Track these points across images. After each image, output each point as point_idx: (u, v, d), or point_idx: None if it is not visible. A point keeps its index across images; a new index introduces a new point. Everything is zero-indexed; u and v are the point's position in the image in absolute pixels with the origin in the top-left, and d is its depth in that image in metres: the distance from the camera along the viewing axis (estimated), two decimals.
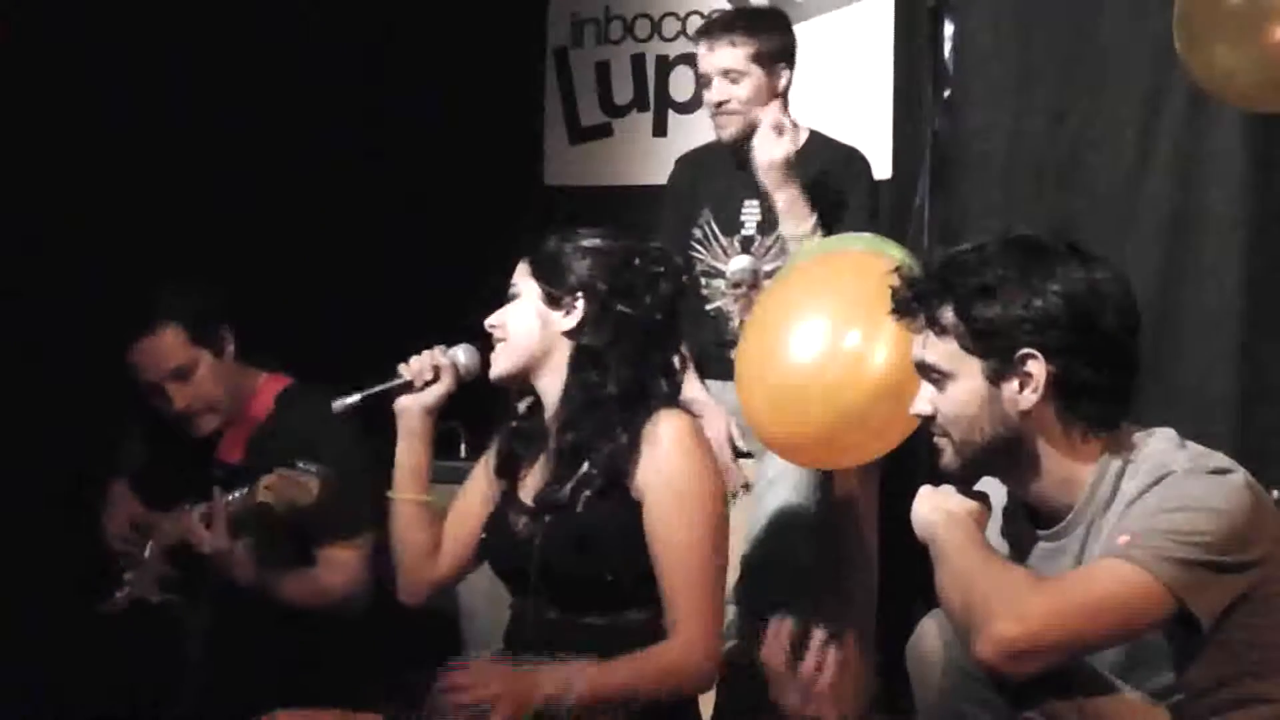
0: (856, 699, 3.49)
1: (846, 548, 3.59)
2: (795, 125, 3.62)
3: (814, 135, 3.80)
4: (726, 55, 3.71)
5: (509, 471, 2.74)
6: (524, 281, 2.68)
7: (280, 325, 3.71)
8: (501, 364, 2.68)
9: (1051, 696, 2.13)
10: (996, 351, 2.22)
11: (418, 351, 2.77)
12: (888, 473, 3.58)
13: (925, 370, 2.30)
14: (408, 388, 2.76)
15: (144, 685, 3.14)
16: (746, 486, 3.64)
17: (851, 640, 3.54)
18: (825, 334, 3.11)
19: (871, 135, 4.30)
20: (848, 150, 3.83)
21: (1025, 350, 2.20)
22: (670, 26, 4.79)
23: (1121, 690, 2.16)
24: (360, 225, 4.62)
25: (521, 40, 4.91)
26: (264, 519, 3.08)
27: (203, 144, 4.19)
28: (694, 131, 4.41)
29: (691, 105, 4.70)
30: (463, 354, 2.77)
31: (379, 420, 2.83)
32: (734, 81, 3.71)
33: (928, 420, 2.31)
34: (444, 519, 2.80)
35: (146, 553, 3.29)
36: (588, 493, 2.56)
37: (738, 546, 3.44)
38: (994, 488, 2.34)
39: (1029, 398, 2.21)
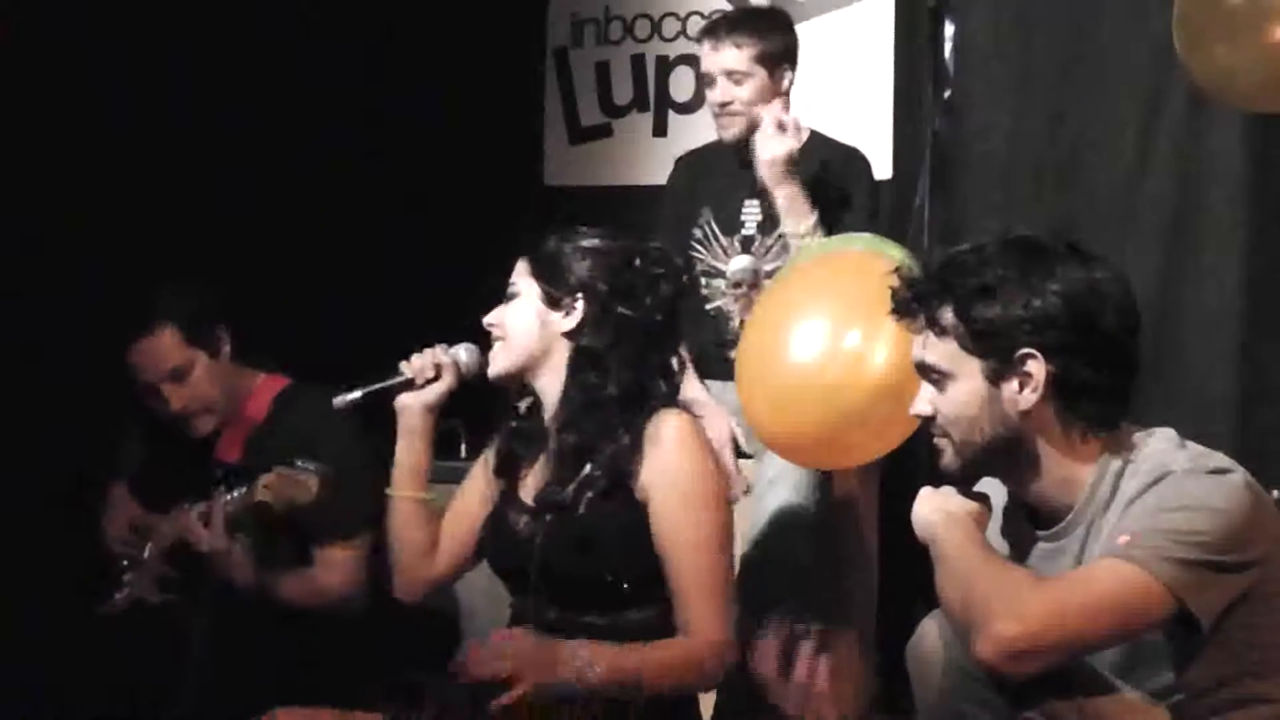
0: (856, 699, 3.50)
1: (846, 548, 3.59)
2: (798, 124, 3.62)
3: (814, 135, 3.80)
4: (730, 56, 3.71)
5: (508, 471, 2.74)
6: (523, 281, 2.68)
7: (280, 325, 3.71)
8: (500, 363, 2.68)
9: (1051, 696, 2.13)
10: (996, 352, 2.22)
11: (418, 351, 2.77)
12: (888, 473, 3.58)
13: (925, 371, 2.30)
14: (409, 385, 2.76)
15: (144, 685, 3.14)
16: (747, 490, 3.63)
17: (844, 643, 3.57)
18: (825, 334, 3.11)
19: (871, 135, 4.30)
20: (848, 150, 3.83)
21: (1025, 350, 2.20)
22: (670, 27, 4.80)
23: (1121, 690, 2.17)
24: (360, 225, 4.62)
25: (521, 40, 4.91)
26: (262, 518, 3.08)
27: (203, 144, 4.19)
28: (694, 132, 4.41)
29: (691, 105, 4.71)
30: (464, 353, 2.78)
31: (379, 418, 2.83)
32: (737, 83, 3.71)
33: (928, 420, 2.31)
34: (442, 518, 2.80)
35: (145, 553, 3.29)
36: (590, 494, 2.56)
37: (737, 547, 3.44)
38: (994, 488, 2.34)
39: (1029, 398, 2.22)
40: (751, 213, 3.76)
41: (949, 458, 2.29)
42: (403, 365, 2.77)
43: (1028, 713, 2.16)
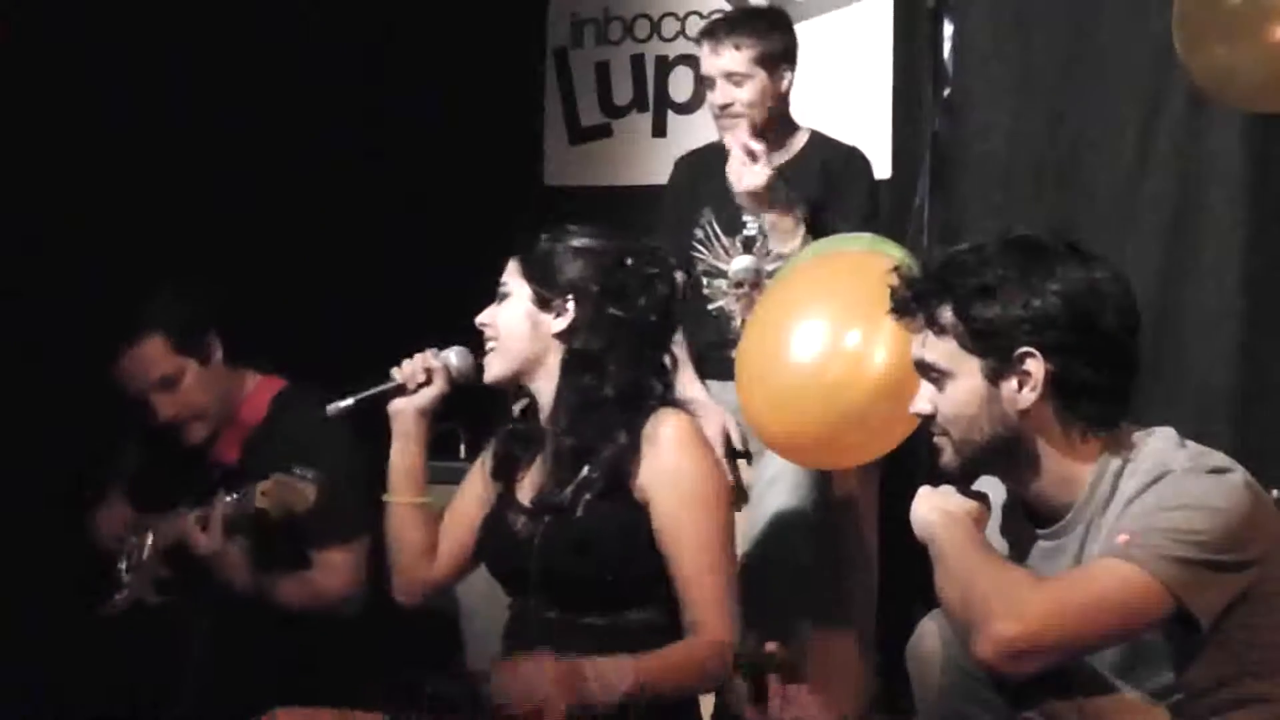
0: (856, 699, 3.50)
1: (846, 548, 3.59)
2: (780, 140, 3.61)
3: (814, 135, 3.80)
4: (730, 58, 3.71)
5: (506, 473, 2.73)
6: (514, 281, 2.67)
7: (280, 325, 3.71)
8: (495, 368, 2.67)
9: (1051, 696, 2.14)
10: (995, 351, 2.22)
11: (418, 352, 2.77)
12: (888, 473, 3.58)
13: (925, 369, 2.30)
14: (401, 391, 2.76)
15: (144, 685, 3.14)
16: (744, 495, 3.63)
17: (850, 641, 3.57)
18: (825, 334, 3.11)
19: (871, 135, 4.30)
20: (848, 150, 3.83)
21: (1024, 349, 2.20)
22: (669, 27, 4.79)
23: (1121, 690, 2.17)
24: (360, 225, 4.62)
25: (521, 40, 4.91)
26: (260, 524, 3.08)
27: (203, 144, 4.19)
28: (694, 132, 4.41)
29: (691, 106, 4.70)
30: (455, 356, 2.77)
31: (374, 424, 2.82)
32: (737, 84, 3.71)
33: (927, 420, 2.31)
34: (440, 520, 2.80)
35: (144, 555, 3.29)
36: (588, 496, 2.56)
37: (737, 547, 3.44)
38: (994, 487, 2.34)
39: (1028, 397, 2.22)
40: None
41: (948, 456, 2.29)
42: (394, 371, 2.76)
43: (1028, 713, 2.16)
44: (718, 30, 3.78)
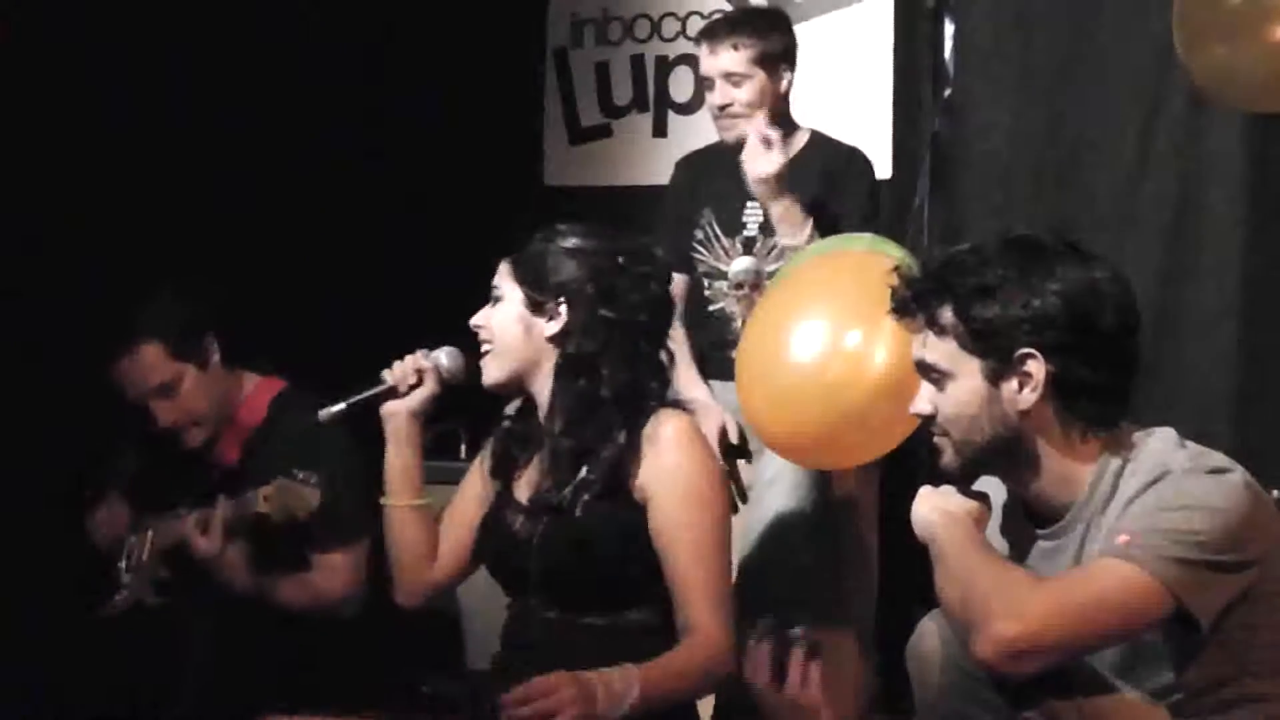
0: (856, 699, 3.50)
1: (846, 548, 3.59)
2: (784, 138, 3.61)
3: (814, 135, 3.80)
4: (729, 59, 3.70)
5: (504, 472, 2.73)
6: (506, 284, 2.66)
7: (280, 325, 3.71)
8: (493, 374, 2.66)
9: (1051, 696, 2.14)
10: (995, 351, 2.22)
11: (418, 352, 2.77)
12: (888, 473, 3.58)
13: (925, 370, 2.30)
14: (392, 393, 2.75)
15: (144, 685, 3.14)
16: (743, 494, 3.63)
17: (850, 641, 3.56)
18: (825, 334, 3.11)
19: (871, 135, 4.30)
20: (848, 150, 3.83)
21: (1024, 350, 2.20)
22: (669, 27, 4.80)
23: (1121, 690, 2.17)
24: (360, 225, 4.62)
25: (521, 40, 4.91)
26: (261, 527, 3.07)
27: (203, 144, 4.19)
28: (694, 132, 4.41)
29: (691, 106, 4.71)
30: (445, 357, 2.76)
31: (372, 426, 2.82)
32: (736, 85, 3.70)
33: (928, 420, 2.31)
34: (439, 521, 2.79)
35: (144, 555, 3.29)
36: (586, 497, 2.56)
37: (736, 547, 3.44)
38: (994, 487, 2.34)
39: (1028, 397, 2.22)
40: (753, 214, 3.75)
41: (949, 457, 2.29)
42: (384, 373, 2.75)
43: (1028, 713, 2.16)
44: (717, 31, 3.78)
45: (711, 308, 3.78)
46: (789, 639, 2.21)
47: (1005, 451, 2.26)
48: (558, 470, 2.60)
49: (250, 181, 4.26)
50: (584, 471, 2.56)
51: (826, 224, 3.60)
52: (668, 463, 2.54)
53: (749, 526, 3.52)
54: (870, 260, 3.09)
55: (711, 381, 3.73)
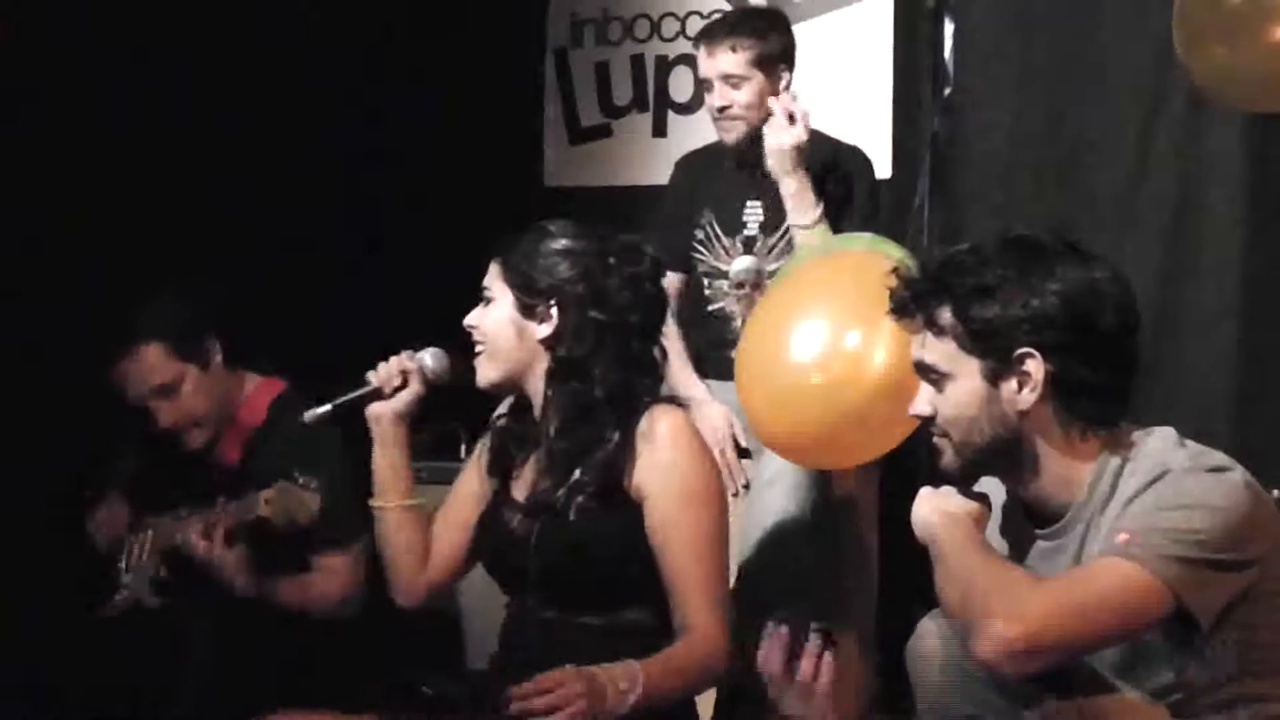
0: (856, 699, 3.49)
1: (846, 548, 3.59)
2: (808, 115, 3.62)
3: (814, 135, 3.79)
4: (727, 60, 3.70)
5: (501, 470, 2.73)
6: (496, 285, 2.65)
7: (279, 326, 3.71)
8: (487, 374, 2.66)
9: (1051, 696, 2.14)
10: (995, 351, 2.22)
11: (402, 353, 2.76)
12: (888, 473, 3.58)
13: (924, 370, 2.30)
14: (378, 395, 2.74)
15: (144, 685, 3.14)
16: (746, 486, 3.64)
17: (850, 641, 3.56)
18: (825, 334, 3.11)
19: (871, 135, 4.30)
20: (848, 149, 3.83)
21: (1023, 350, 2.20)
22: (669, 27, 4.80)
23: (1121, 690, 2.17)
24: (360, 225, 4.62)
25: (521, 40, 4.92)
26: (262, 530, 3.07)
27: (203, 144, 4.19)
28: (694, 132, 4.41)
29: (691, 106, 4.71)
30: (429, 358, 2.75)
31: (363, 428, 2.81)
32: (735, 86, 3.70)
33: (927, 421, 2.31)
34: (432, 520, 2.79)
35: (144, 556, 3.29)
36: (580, 499, 2.55)
37: (736, 547, 3.44)
38: (993, 487, 2.34)
39: (1027, 397, 2.22)
40: (753, 213, 3.75)
41: (948, 457, 2.29)
42: (369, 375, 2.74)
43: (1028, 713, 2.16)
44: (715, 32, 3.78)
45: (711, 307, 3.78)
46: (804, 629, 2.20)
47: (1005, 452, 2.25)
48: (553, 471, 2.60)
49: (250, 181, 4.26)
50: (578, 474, 2.56)
51: (827, 223, 3.60)
52: (663, 460, 2.54)
53: (749, 527, 3.52)
54: (870, 260, 3.09)
55: (710, 381, 3.73)
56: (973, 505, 2.29)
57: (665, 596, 2.55)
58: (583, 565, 2.55)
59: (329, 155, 4.49)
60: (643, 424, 2.56)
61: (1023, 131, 4.33)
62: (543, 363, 2.62)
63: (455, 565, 2.79)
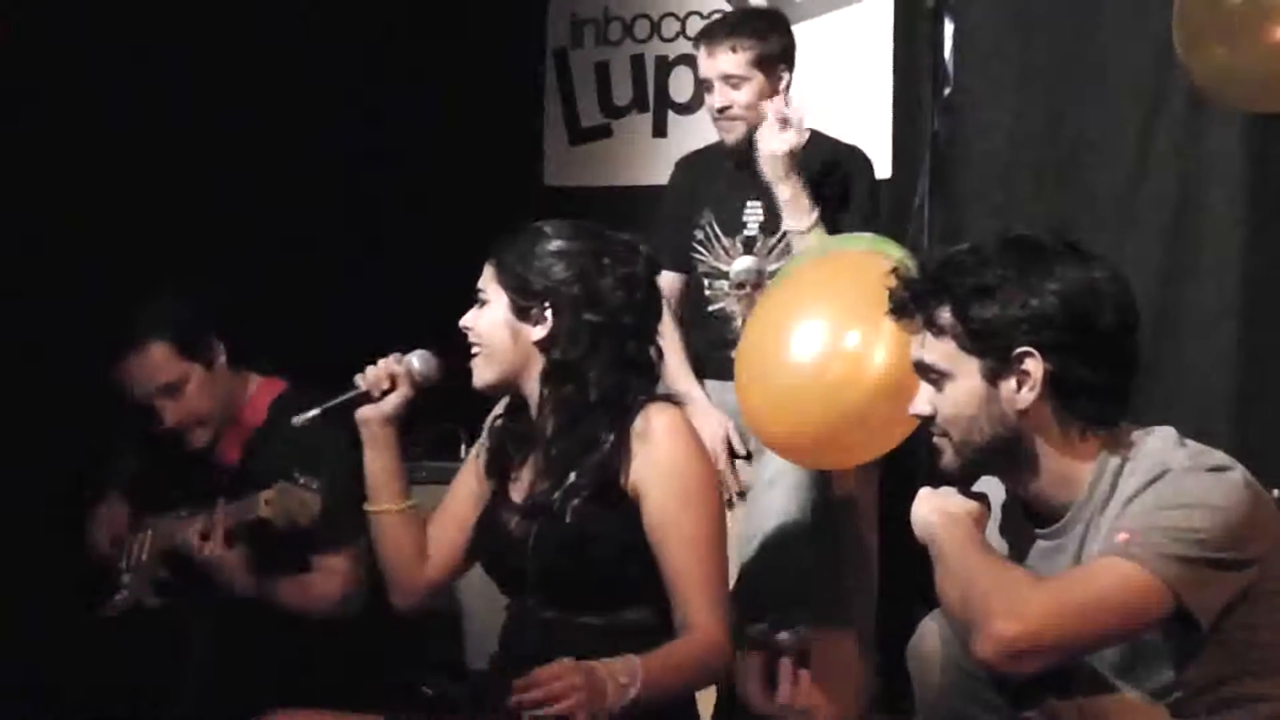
0: (856, 699, 3.50)
1: (846, 548, 3.59)
2: (801, 119, 3.62)
3: (814, 135, 3.79)
4: (727, 61, 3.70)
5: (499, 471, 2.72)
6: (491, 288, 2.64)
7: (279, 326, 3.71)
8: (483, 376, 2.65)
9: (1051, 696, 2.13)
10: (994, 351, 2.22)
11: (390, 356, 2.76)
12: (888, 473, 3.58)
13: (924, 370, 2.30)
14: (366, 399, 2.73)
15: (144, 686, 3.14)
16: (741, 495, 3.63)
17: (850, 641, 3.56)
18: (825, 334, 3.11)
19: (871, 135, 4.30)
20: (848, 149, 3.83)
21: (1023, 349, 2.20)
22: (669, 27, 4.80)
23: (1121, 690, 2.17)
24: (360, 225, 4.62)
25: (521, 40, 4.92)
26: (262, 531, 3.07)
27: (203, 144, 4.19)
28: (694, 132, 4.42)
29: (691, 106, 4.71)
30: (417, 360, 2.74)
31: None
32: (735, 87, 3.70)
33: (927, 420, 2.31)
34: (426, 521, 2.78)
35: (143, 556, 3.29)
36: (576, 501, 2.55)
37: (736, 547, 3.44)
38: (993, 487, 2.34)
39: (1027, 397, 2.22)
40: (753, 213, 3.75)
41: (948, 457, 2.29)
42: (357, 378, 2.73)
43: (1028, 713, 2.16)
44: (714, 33, 3.78)
45: (712, 308, 3.78)
46: (777, 647, 2.20)
47: (1005, 451, 2.26)
48: (550, 473, 2.60)
49: (250, 181, 4.26)
50: (573, 476, 2.56)
51: (826, 224, 3.60)
52: (659, 458, 2.53)
53: (749, 527, 3.52)
54: (870, 260, 3.09)
55: (710, 381, 3.73)
56: (973, 505, 2.29)
57: (665, 595, 2.54)
58: (581, 565, 2.55)
59: (329, 155, 4.49)
60: (638, 423, 2.55)
61: (1023, 131, 4.33)
62: (538, 364, 2.62)
63: (453, 565, 2.79)
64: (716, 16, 4.26)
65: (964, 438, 2.26)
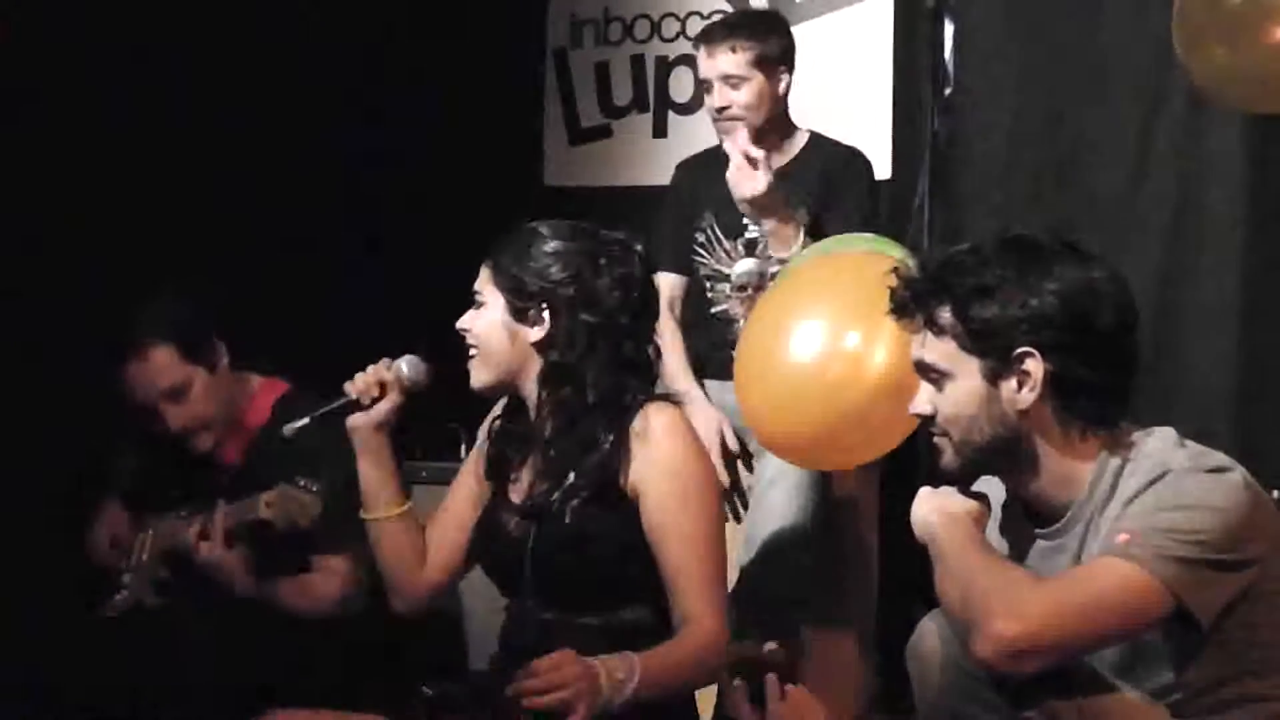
0: (856, 699, 3.50)
1: (846, 548, 3.60)
2: (780, 142, 3.61)
3: (813, 136, 3.80)
4: (727, 61, 3.70)
5: (498, 471, 2.72)
6: (487, 289, 2.64)
7: (279, 326, 3.71)
8: (481, 378, 2.66)
9: (1051, 696, 2.14)
10: (994, 351, 2.22)
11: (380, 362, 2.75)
12: (888, 473, 3.58)
13: (924, 370, 2.30)
14: (356, 406, 2.73)
15: (143, 686, 3.13)
16: (743, 500, 3.63)
17: (850, 641, 3.57)
18: (825, 334, 3.11)
19: (871, 135, 4.30)
20: (848, 150, 3.83)
21: (1022, 349, 2.20)
22: (669, 27, 4.80)
23: (1121, 690, 2.17)
24: (360, 225, 4.62)
25: (521, 40, 4.92)
26: (262, 532, 3.07)
27: (203, 144, 4.19)
28: (694, 133, 4.42)
29: (691, 106, 4.71)
30: (406, 366, 2.73)
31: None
32: (735, 87, 3.70)
33: (927, 420, 2.31)
34: (424, 525, 2.78)
35: (144, 556, 3.29)
36: (575, 502, 2.55)
37: (736, 547, 3.44)
38: (994, 487, 2.34)
39: (1027, 396, 2.22)
40: None
41: (948, 457, 2.29)
42: (347, 386, 2.73)
43: (1028, 713, 2.16)
44: (714, 33, 3.78)
45: (714, 310, 3.78)
46: (762, 661, 2.19)
47: (1005, 451, 2.26)
48: (549, 474, 2.60)
49: (250, 181, 4.26)
50: (571, 477, 2.56)
51: (826, 224, 3.60)
52: (658, 456, 2.54)
53: (749, 527, 3.53)
54: (870, 260, 3.09)
55: (711, 381, 3.73)
56: (972, 505, 2.29)
57: (664, 595, 2.55)
58: (581, 566, 2.55)
59: (329, 155, 4.49)
60: (637, 422, 2.56)
61: (1023, 131, 4.33)
62: (536, 365, 2.62)
63: (453, 566, 2.79)
64: (716, 17, 4.26)
65: (964, 437, 2.26)
